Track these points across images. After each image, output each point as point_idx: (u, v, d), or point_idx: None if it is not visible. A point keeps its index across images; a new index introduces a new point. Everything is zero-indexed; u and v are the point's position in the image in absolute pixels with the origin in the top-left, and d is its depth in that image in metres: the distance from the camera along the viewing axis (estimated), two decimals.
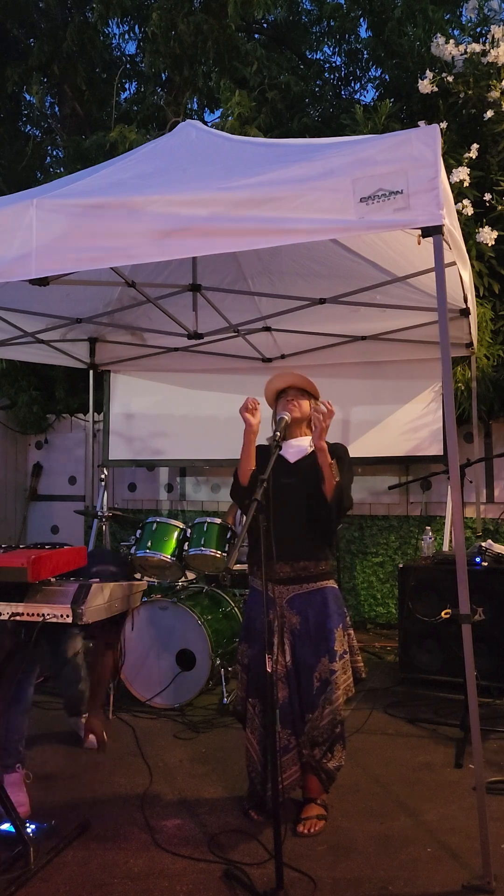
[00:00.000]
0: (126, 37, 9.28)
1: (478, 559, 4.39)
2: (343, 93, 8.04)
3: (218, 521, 4.51)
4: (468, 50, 5.33)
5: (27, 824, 2.72)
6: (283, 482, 2.86)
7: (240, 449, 2.97)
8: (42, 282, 2.83)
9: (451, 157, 5.07)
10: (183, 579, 4.76)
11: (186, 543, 4.48)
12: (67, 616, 2.44)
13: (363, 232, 2.91)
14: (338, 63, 8.09)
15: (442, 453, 5.28)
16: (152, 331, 4.99)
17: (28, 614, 2.48)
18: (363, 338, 5.10)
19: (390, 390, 5.48)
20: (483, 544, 4.52)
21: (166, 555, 4.44)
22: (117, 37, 9.01)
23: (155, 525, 4.54)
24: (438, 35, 5.64)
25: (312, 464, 2.97)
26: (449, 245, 2.70)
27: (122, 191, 2.78)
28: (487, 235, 4.87)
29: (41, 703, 3.95)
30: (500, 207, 5.10)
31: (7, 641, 2.76)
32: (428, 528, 5.11)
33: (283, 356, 5.52)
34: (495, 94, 5.20)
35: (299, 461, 3.01)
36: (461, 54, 5.41)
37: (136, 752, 3.64)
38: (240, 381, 5.69)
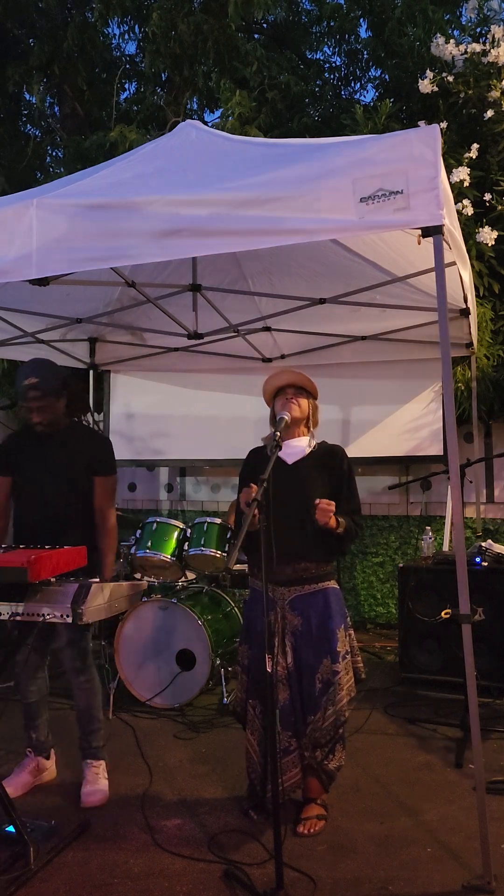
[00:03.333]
0: (126, 37, 9.31)
1: (478, 559, 4.39)
2: (343, 93, 8.03)
3: (218, 521, 4.51)
4: (468, 50, 5.33)
5: (27, 825, 2.72)
6: (281, 483, 2.84)
7: (239, 449, 3.01)
8: (42, 282, 2.83)
9: (451, 157, 5.07)
10: (183, 579, 4.77)
11: (186, 543, 4.49)
12: (67, 616, 2.43)
13: (363, 232, 2.90)
14: (338, 63, 8.10)
15: (442, 453, 5.28)
16: (152, 331, 4.99)
17: (28, 614, 2.48)
18: (363, 338, 5.10)
19: (390, 390, 5.48)
20: (483, 544, 4.52)
21: (166, 555, 4.45)
22: (117, 37, 9.04)
23: (155, 525, 4.55)
24: (438, 35, 5.63)
25: (310, 465, 2.97)
26: (449, 245, 2.70)
27: (122, 191, 2.78)
28: (487, 235, 4.87)
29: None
30: (500, 207, 5.10)
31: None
32: (428, 528, 5.11)
33: (283, 356, 5.51)
34: (495, 93, 5.20)
35: (298, 462, 3.00)
36: (461, 54, 5.41)
37: (136, 752, 3.64)
38: (240, 381, 5.70)
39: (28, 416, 3.28)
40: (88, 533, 3.27)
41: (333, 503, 2.77)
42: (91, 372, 5.85)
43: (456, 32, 6.35)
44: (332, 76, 8.09)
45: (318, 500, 2.77)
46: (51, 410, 3.25)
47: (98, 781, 3.21)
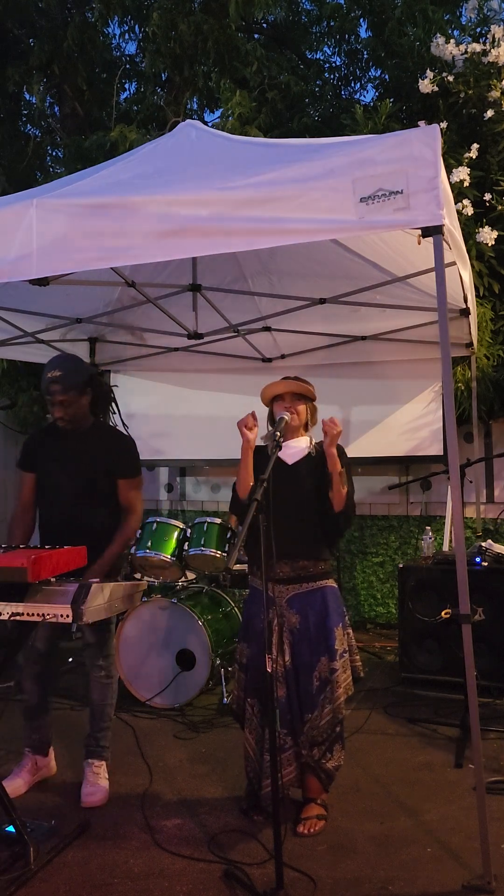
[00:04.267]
0: (126, 37, 9.30)
1: (478, 559, 4.39)
2: (343, 93, 8.02)
3: (218, 521, 4.51)
4: (468, 50, 5.33)
5: (27, 825, 2.72)
6: (281, 483, 2.85)
7: (239, 449, 2.97)
8: (42, 282, 2.83)
9: (451, 157, 5.07)
10: (183, 579, 4.77)
11: (186, 543, 4.49)
12: (67, 616, 2.44)
13: (363, 232, 2.91)
14: (338, 63, 8.09)
15: (442, 453, 5.28)
16: (152, 331, 4.99)
17: (28, 614, 2.48)
18: (363, 338, 5.10)
19: (390, 390, 5.48)
20: (483, 544, 4.52)
21: (166, 555, 4.45)
22: (117, 37, 9.02)
23: (155, 525, 4.55)
24: (438, 35, 5.63)
25: (310, 466, 2.98)
26: (449, 245, 2.70)
27: (122, 191, 2.78)
28: (487, 235, 4.87)
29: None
30: (500, 207, 5.10)
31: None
32: (428, 528, 5.10)
33: (283, 356, 5.51)
34: (495, 93, 5.19)
35: (297, 463, 3.02)
36: (461, 54, 5.41)
37: (136, 752, 3.64)
38: (240, 381, 5.69)
39: (50, 410, 3.26)
40: (106, 534, 3.24)
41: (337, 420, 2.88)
42: None
43: (456, 32, 6.34)
44: (332, 76, 8.09)
45: (324, 420, 2.85)
46: (73, 406, 3.22)
47: (98, 781, 3.21)
